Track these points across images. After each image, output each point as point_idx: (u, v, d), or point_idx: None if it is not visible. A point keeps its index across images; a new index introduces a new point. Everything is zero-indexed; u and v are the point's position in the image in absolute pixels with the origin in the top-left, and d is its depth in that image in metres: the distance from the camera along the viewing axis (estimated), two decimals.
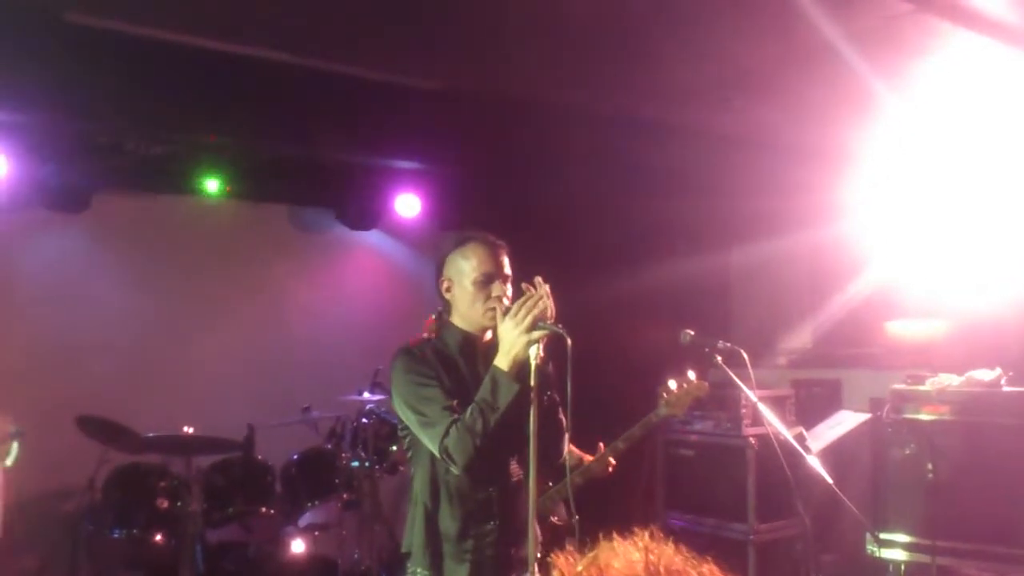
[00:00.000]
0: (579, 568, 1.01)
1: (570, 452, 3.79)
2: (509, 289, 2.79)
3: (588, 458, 3.63)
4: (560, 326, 2.55)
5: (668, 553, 1.00)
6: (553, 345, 2.63)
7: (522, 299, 2.59)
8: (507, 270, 2.84)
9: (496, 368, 2.60)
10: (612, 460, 3.64)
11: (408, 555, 2.83)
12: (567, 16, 4.08)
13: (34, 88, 4.65)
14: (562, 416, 2.80)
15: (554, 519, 3.72)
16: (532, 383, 2.54)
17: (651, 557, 0.98)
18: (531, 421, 2.48)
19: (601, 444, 3.69)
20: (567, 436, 2.82)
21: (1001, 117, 4.99)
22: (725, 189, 5.87)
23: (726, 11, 4.00)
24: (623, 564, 0.99)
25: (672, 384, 3.73)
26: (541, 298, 2.58)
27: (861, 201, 5.67)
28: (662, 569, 0.97)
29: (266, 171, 6.24)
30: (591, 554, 1.03)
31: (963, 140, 5.26)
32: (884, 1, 3.74)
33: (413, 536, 2.82)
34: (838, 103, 4.91)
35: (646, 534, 1.05)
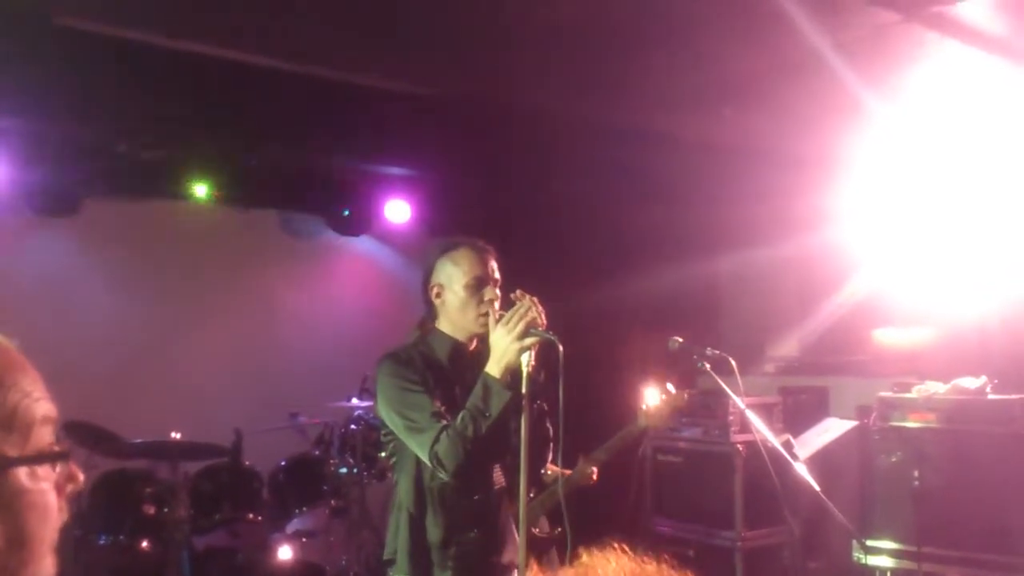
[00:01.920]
0: None
1: (550, 470, 3.81)
2: (498, 294, 2.80)
3: (566, 472, 3.64)
4: (552, 333, 2.55)
5: (650, 571, 1.03)
6: (543, 353, 2.63)
7: (514, 307, 2.60)
8: (496, 275, 2.84)
9: (488, 375, 2.60)
10: (594, 471, 3.65)
11: (391, 562, 2.82)
12: (558, 24, 4.09)
13: (22, 91, 4.64)
14: (549, 425, 2.80)
15: (535, 531, 3.71)
16: (524, 390, 2.54)
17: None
18: (523, 429, 2.48)
19: (581, 457, 3.70)
20: (553, 445, 2.82)
21: (988, 126, 5.03)
22: (714, 197, 5.89)
23: (716, 21, 4.02)
24: None
25: (651, 396, 3.74)
26: (532, 306, 2.59)
27: (849, 209, 5.70)
28: None
29: (255, 176, 6.24)
30: (570, 571, 1.05)
31: (951, 149, 5.29)
32: (872, 11, 3.77)
33: (397, 542, 2.81)
34: (827, 112, 4.94)
35: (621, 548, 1.07)
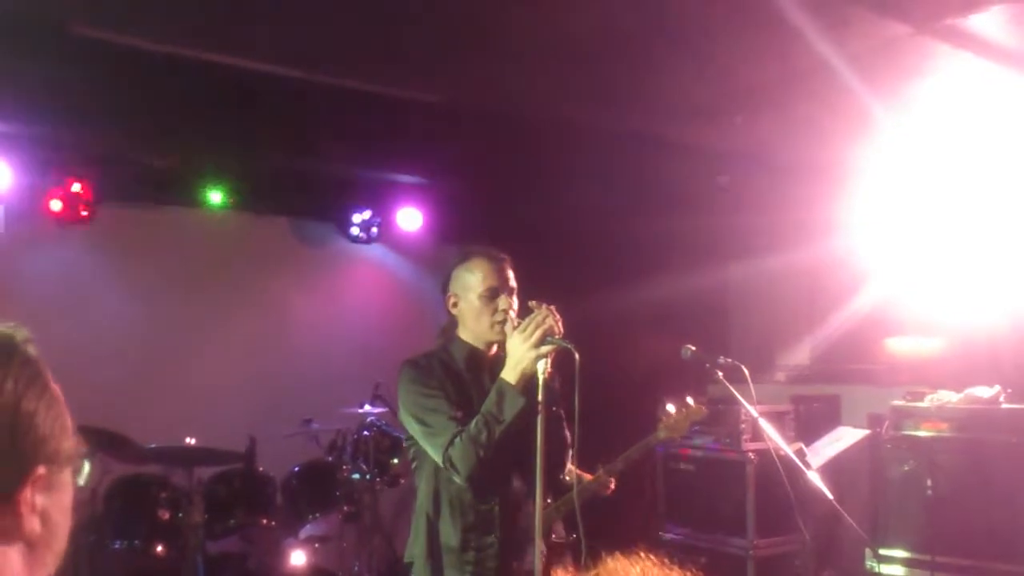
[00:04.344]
0: None
1: (569, 471, 3.84)
2: (515, 302, 2.83)
3: (587, 477, 3.66)
4: (568, 341, 2.58)
5: None
6: (559, 360, 2.66)
7: (532, 315, 2.63)
8: (512, 283, 2.88)
9: (503, 381, 2.63)
10: (612, 481, 3.67)
11: (410, 565, 2.86)
12: (570, 34, 4.11)
13: (39, 100, 4.69)
14: (566, 432, 2.83)
15: (552, 537, 3.74)
16: (539, 397, 2.56)
17: None
18: (538, 435, 2.50)
19: (600, 467, 3.73)
20: (571, 451, 2.85)
21: (998, 137, 5.04)
22: (725, 206, 5.90)
23: (727, 30, 4.04)
24: None
25: (671, 408, 3.78)
26: (549, 314, 2.62)
27: (860, 218, 5.70)
28: None
29: (269, 184, 6.29)
30: (593, 573, 1.07)
31: (961, 159, 5.30)
32: (884, 23, 3.78)
33: (416, 547, 2.84)
34: (837, 122, 4.95)
35: (646, 555, 1.08)
